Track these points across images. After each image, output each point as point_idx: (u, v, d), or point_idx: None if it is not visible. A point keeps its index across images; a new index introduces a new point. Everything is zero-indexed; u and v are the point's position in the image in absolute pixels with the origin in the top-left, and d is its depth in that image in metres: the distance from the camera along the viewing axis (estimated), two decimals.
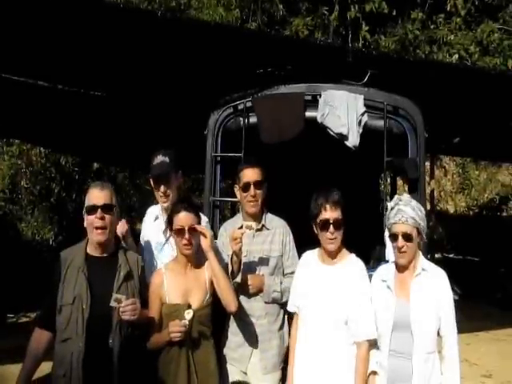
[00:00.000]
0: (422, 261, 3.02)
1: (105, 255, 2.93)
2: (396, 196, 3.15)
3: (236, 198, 3.63)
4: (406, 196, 3.12)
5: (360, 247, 4.63)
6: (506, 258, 8.24)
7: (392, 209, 3.01)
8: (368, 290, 3.04)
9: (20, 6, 3.60)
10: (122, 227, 3.26)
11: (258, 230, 3.40)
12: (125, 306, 2.70)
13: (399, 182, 6.61)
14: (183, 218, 3.04)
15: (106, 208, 2.87)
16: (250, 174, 3.36)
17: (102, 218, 2.84)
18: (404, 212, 2.93)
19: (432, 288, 2.93)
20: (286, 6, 8.88)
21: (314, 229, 3.13)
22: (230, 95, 4.25)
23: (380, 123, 4.04)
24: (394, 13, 8.59)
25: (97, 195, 2.89)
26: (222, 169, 4.27)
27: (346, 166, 5.27)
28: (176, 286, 3.05)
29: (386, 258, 3.88)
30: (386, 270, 3.10)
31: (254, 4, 8.74)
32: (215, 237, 3.67)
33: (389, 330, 2.91)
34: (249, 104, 4.18)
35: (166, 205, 3.43)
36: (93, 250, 2.92)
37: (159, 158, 3.47)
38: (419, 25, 8.51)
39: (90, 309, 2.77)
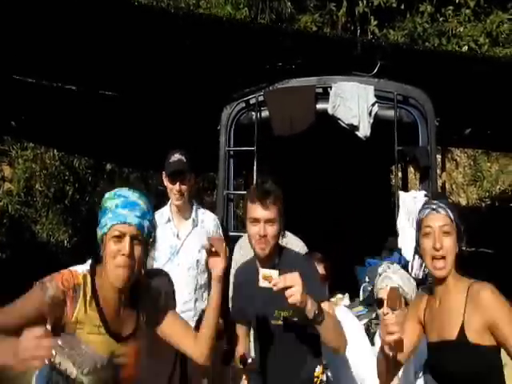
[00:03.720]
0: None
1: None
2: (384, 264, 2.88)
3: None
4: (395, 266, 2.84)
5: (372, 238, 4.68)
6: None
7: (380, 275, 2.75)
8: None
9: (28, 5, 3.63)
10: None
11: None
12: None
13: (410, 174, 6.63)
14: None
15: None
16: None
17: None
18: (391, 279, 2.64)
19: None
20: (294, 4, 8.93)
21: None
22: (242, 90, 4.31)
23: (390, 113, 4.09)
24: (403, 6, 8.62)
25: None
26: (236, 163, 4.34)
27: (358, 158, 5.32)
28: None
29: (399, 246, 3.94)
30: None
31: (262, 2, 8.80)
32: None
33: None
34: (261, 98, 4.25)
35: (178, 203, 3.42)
36: None
37: (176, 156, 3.43)
38: (428, 18, 8.52)
39: None
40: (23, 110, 5.97)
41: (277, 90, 4.25)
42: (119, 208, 1.81)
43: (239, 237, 4.23)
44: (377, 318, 3.42)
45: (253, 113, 4.28)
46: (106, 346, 1.83)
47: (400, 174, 6.07)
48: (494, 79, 4.75)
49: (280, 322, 2.39)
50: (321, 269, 3.03)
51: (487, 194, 12.87)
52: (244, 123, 4.32)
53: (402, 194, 4.07)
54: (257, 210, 2.43)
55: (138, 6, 4.11)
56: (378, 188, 5.62)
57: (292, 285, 2.08)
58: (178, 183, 3.38)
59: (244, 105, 4.32)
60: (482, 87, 4.88)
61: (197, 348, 2.03)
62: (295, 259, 2.60)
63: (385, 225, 4.58)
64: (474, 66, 4.65)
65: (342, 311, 3.07)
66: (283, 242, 2.76)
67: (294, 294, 2.07)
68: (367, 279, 4.15)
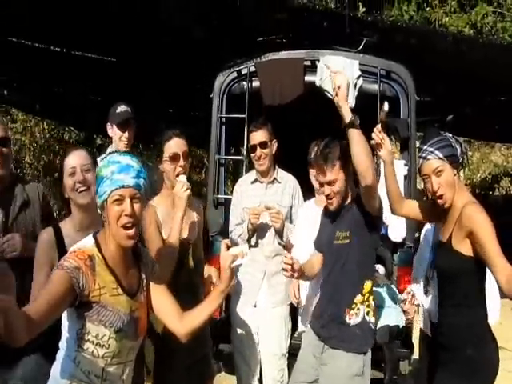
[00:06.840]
0: None
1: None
2: None
3: (239, 156, 3.94)
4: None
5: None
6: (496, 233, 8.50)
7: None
8: None
9: None
10: None
11: (269, 182, 3.79)
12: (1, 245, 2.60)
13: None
14: (176, 144, 2.93)
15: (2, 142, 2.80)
16: (255, 137, 3.72)
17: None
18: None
19: None
20: None
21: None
22: (235, 61, 4.51)
23: (374, 87, 4.31)
24: None
25: None
26: (227, 130, 4.54)
27: (342, 127, 5.51)
28: (169, 222, 2.81)
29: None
30: None
31: None
32: (218, 191, 4.27)
33: None
34: (252, 69, 4.45)
35: (128, 150, 3.60)
36: None
37: (123, 107, 3.71)
38: (415, 6, 8.73)
39: None
40: (14, 76, 6.02)
41: (267, 62, 4.44)
42: (115, 174, 1.94)
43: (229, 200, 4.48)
44: None
45: (244, 83, 4.47)
46: (126, 304, 2.02)
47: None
48: (476, 63, 4.95)
49: (340, 242, 2.92)
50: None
51: (468, 181, 13.24)
52: (236, 93, 4.52)
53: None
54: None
55: None
56: None
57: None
58: (127, 131, 3.67)
59: (236, 75, 4.51)
60: (463, 71, 5.09)
61: (181, 326, 2.13)
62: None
63: None
64: (457, 47, 4.83)
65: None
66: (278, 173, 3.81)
67: None
68: None
